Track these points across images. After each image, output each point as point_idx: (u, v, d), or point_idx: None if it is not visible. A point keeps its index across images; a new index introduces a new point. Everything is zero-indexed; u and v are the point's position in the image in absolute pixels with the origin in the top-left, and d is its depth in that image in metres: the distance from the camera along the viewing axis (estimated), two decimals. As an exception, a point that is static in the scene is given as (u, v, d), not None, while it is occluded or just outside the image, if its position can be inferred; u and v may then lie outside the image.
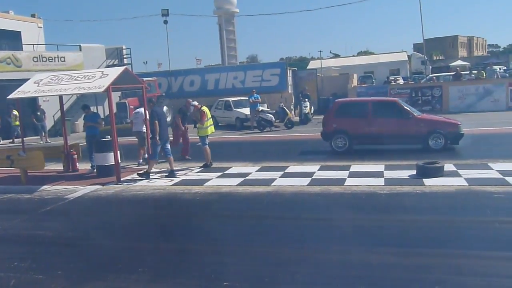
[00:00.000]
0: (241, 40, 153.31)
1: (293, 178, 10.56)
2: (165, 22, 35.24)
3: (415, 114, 13.56)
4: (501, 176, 9.46)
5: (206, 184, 10.58)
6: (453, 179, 9.53)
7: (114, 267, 6.16)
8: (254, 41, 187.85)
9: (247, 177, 10.95)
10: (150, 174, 11.78)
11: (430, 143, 12.99)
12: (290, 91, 27.15)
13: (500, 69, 36.21)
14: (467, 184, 9.07)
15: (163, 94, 27.23)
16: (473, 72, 30.76)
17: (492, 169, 10.21)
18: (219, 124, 24.09)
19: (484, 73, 27.17)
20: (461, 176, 9.68)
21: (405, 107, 13.72)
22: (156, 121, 11.42)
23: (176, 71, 30.75)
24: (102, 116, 17.87)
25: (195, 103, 12.75)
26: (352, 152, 13.39)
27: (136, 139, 13.81)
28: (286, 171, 11.41)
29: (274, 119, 21.30)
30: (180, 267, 6.01)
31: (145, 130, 12.85)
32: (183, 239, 7.29)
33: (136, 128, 13.50)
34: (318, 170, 11.22)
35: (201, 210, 9.01)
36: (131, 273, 5.82)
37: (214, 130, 13.12)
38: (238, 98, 24.31)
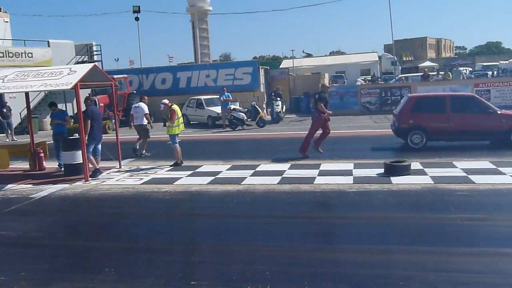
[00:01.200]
0: (215, 38, 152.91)
1: (264, 177, 10.59)
2: (137, 19, 34.62)
3: (496, 110, 13.26)
4: (465, 174, 9.73)
5: (176, 182, 10.51)
6: (419, 177, 9.74)
7: (79, 267, 6.06)
8: (227, 40, 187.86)
9: (217, 176, 10.93)
10: (102, 170, 11.82)
11: None
12: (262, 90, 27.23)
13: (466, 70, 37.14)
14: (432, 182, 9.28)
15: (134, 92, 26.91)
16: (440, 73, 31.43)
17: (457, 167, 10.49)
18: (191, 122, 24.00)
19: (451, 74, 27.82)
20: (427, 175, 9.90)
21: (485, 102, 13.62)
22: (89, 121, 11.38)
23: (148, 69, 30.42)
24: (70, 114, 17.55)
25: (166, 101, 12.63)
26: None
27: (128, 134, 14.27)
28: (257, 169, 11.44)
29: (246, 118, 21.29)
30: (148, 266, 5.94)
31: (146, 123, 14.20)
32: (151, 238, 7.23)
33: (137, 121, 14.30)
34: (288, 169, 11.29)
35: (170, 209, 8.94)
36: (97, 274, 5.74)
37: (183, 129, 13.04)
38: (210, 97, 24.22)
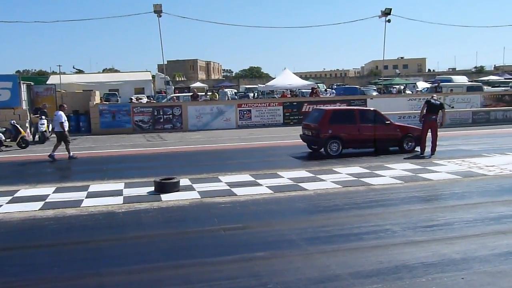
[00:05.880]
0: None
1: (23, 203, 9.58)
2: None
3: (392, 121, 15.53)
4: (228, 188, 10.55)
5: None
6: (187, 193, 10.16)
7: None
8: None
9: (-36, 206, 9.44)
10: None
11: (404, 145, 15.29)
12: (24, 107, 24.70)
13: (231, 91, 40.55)
14: (199, 197, 9.79)
15: None
16: (208, 93, 33.60)
17: (222, 181, 11.29)
18: None
19: (217, 95, 30.01)
20: (195, 190, 10.40)
21: (384, 115, 15.51)
22: None
23: None
24: None
25: None
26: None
27: None
28: (15, 195, 10.28)
29: (4, 138, 18.98)
30: None
31: (62, 130, 15.55)
32: None
33: (56, 128, 15.85)
34: (53, 193, 10.46)
35: None
36: None
37: None
38: (-42, 114, 20.87)
